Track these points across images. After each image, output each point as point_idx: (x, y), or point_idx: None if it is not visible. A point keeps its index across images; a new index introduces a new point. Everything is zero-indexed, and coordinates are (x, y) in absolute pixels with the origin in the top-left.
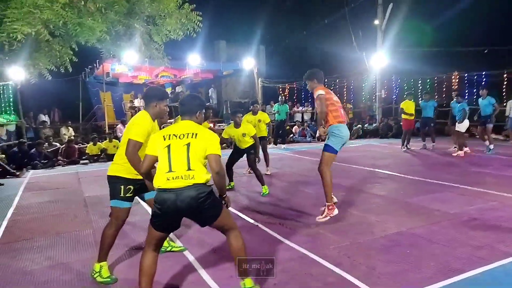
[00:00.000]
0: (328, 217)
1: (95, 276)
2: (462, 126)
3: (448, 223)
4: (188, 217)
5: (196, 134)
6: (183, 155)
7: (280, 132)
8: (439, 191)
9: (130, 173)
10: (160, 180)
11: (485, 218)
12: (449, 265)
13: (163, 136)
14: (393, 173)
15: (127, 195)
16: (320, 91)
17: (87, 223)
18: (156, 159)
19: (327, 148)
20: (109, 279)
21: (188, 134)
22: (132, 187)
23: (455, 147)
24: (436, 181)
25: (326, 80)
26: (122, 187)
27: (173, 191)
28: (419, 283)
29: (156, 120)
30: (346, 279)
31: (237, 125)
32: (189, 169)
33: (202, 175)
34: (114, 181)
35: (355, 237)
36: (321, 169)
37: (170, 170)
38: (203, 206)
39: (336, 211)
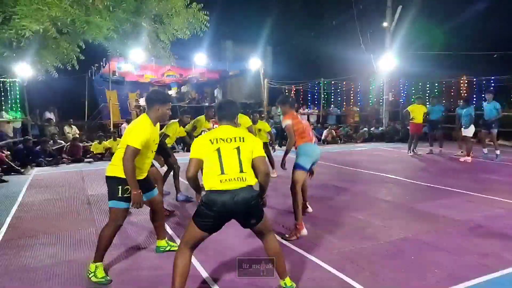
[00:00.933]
0: (294, 238)
1: (90, 276)
2: (469, 131)
3: (454, 229)
4: (236, 218)
5: (243, 138)
6: (235, 158)
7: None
8: (446, 197)
9: None
10: (213, 182)
11: (491, 225)
12: (454, 273)
13: (210, 140)
14: (399, 178)
15: (125, 195)
16: (287, 121)
17: (90, 221)
18: (201, 163)
19: (297, 166)
20: (103, 280)
21: (235, 138)
22: (130, 188)
23: (462, 152)
24: (442, 187)
25: (332, 82)
26: (120, 187)
27: (229, 192)
28: None
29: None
30: (350, 284)
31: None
32: (241, 171)
33: (252, 178)
34: (113, 182)
35: (360, 242)
36: (293, 189)
37: (223, 173)
38: (254, 207)
39: (304, 231)
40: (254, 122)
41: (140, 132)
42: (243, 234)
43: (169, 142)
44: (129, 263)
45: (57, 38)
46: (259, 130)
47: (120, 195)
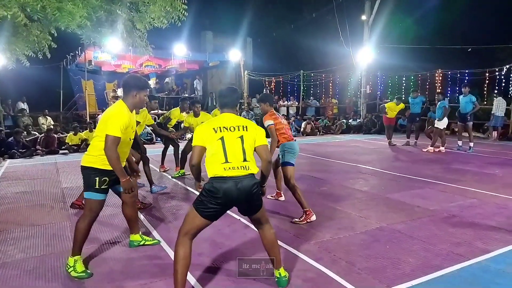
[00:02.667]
0: (305, 222)
1: (69, 270)
2: (442, 123)
3: (428, 219)
4: (238, 205)
5: (246, 126)
6: (238, 147)
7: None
8: (420, 188)
9: (105, 164)
10: (218, 169)
11: (464, 215)
12: (428, 262)
13: (213, 129)
14: (375, 169)
15: (102, 187)
16: (269, 121)
17: (64, 215)
18: (205, 150)
19: (285, 163)
20: (83, 274)
21: (238, 126)
22: (107, 179)
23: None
24: (417, 178)
25: (312, 75)
26: (97, 178)
27: (233, 179)
28: (398, 279)
29: (134, 110)
30: (326, 274)
31: (196, 115)
32: (245, 160)
33: (255, 166)
34: (89, 173)
35: (336, 232)
36: (288, 184)
37: (227, 161)
38: (255, 195)
39: (314, 217)
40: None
41: (118, 119)
42: (223, 226)
43: (138, 130)
44: (102, 257)
45: (28, 25)
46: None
47: (97, 186)
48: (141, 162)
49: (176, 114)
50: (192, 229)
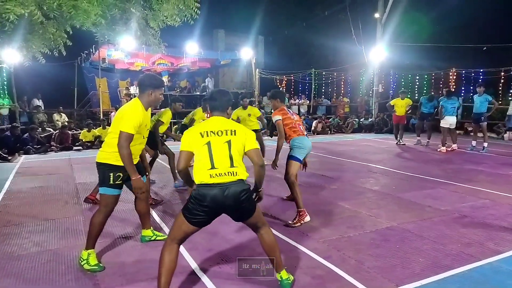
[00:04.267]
0: (299, 224)
1: (82, 263)
2: (443, 122)
3: (439, 219)
4: (227, 212)
5: (234, 131)
6: (225, 152)
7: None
8: (432, 188)
9: (119, 160)
10: (203, 176)
11: (476, 215)
12: (438, 261)
13: (200, 133)
14: (386, 168)
15: (117, 182)
16: (277, 117)
17: (77, 210)
18: (192, 155)
19: (291, 158)
20: (96, 267)
21: (226, 131)
22: (121, 175)
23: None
24: (429, 177)
25: (324, 73)
26: (112, 174)
27: (219, 186)
28: (407, 278)
29: (150, 108)
30: (335, 272)
31: (245, 107)
32: (232, 166)
33: (244, 172)
34: (104, 169)
35: (346, 231)
36: (288, 180)
37: (213, 167)
38: (245, 201)
39: (308, 218)
40: (245, 107)
41: (132, 116)
42: (229, 223)
43: (162, 130)
44: (114, 251)
45: (44, 23)
46: (249, 115)
47: (111, 182)
48: (153, 159)
49: (200, 115)
50: (180, 235)
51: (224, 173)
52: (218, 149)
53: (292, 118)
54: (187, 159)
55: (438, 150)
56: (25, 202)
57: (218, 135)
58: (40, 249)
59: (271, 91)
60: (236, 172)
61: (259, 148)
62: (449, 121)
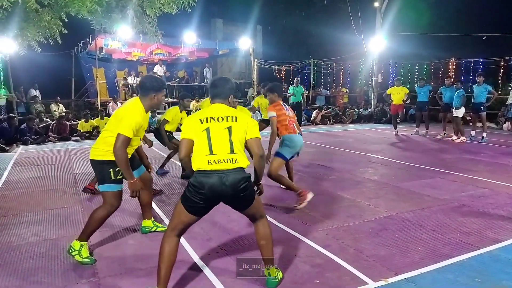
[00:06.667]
0: (304, 204)
1: (73, 254)
2: (460, 112)
3: (438, 208)
4: (225, 201)
5: (236, 117)
6: (225, 139)
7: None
8: (431, 177)
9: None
10: (201, 163)
11: (475, 204)
12: (437, 250)
13: (200, 120)
14: (385, 158)
15: (118, 177)
16: (271, 113)
17: (76, 199)
18: (193, 143)
19: (278, 154)
20: (88, 260)
21: (227, 117)
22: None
23: (444, 134)
24: (428, 167)
25: (323, 63)
26: (111, 170)
27: (217, 173)
28: (406, 267)
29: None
30: (334, 261)
31: (265, 96)
32: (232, 152)
33: (244, 160)
34: (101, 165)
35: (345, 220)
36: (272, 177)
37: (212, 153)
38: (244, 190)
39: (310, 195)
40: (265, 95)
41: (133, 120)
42: (230, 211)
43: (169, 128)
44: (114, 241)
45: (39, 10)
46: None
47: (113, 177)
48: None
49: (207, 104)
50: (179, 224)
51: (223, 159)
52: (218, 135)
53: (287, 114)
54: (188, 147)
55: (459, 140)
56: (23, 193)
57: (219, 121)
58: (39, 238)
59: (268, 84)
60: (235, 159)
61: (261, 138)
62: (463, 111)
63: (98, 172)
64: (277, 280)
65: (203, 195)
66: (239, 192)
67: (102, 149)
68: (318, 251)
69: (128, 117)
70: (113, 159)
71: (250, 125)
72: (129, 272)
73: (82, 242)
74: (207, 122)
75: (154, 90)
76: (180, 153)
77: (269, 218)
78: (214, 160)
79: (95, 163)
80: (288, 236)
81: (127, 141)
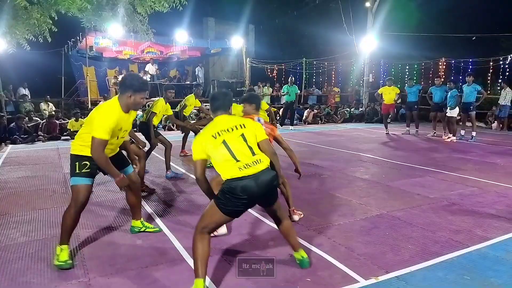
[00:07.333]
0: (301, 216)
1: (54, 258)
2: (455, 112)
3: (427, 207)
4: (261, 200)
5: (243, 124)
6: (243, 145)
7: (288, 113)
8: (421, 176)
9: (83, 150)
10: (233, 171)
11: (464, 203)
12: (427, 248)
13: (212, 136)
14: (376, 157)
15: (84, 170)
16: None
17: (66, 199)
18: (206, 162)
19: None
20: (63, 263)
21: (236, 126)
22: (88, 163)
23: (435, 133)
24: (418, 166)
25: (314, 63)
26: (77, 163)
27: (251, 177)
28: (397, 264)
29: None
30: (325, 259)
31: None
32: (253, 154)
33: (265, 157)
34: (73, 160)
35: (336, 219)
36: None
37: (237, 161)
38: (275, 188)
39: (297, 217)
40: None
41: (104, 121)
42: None
43: (156, 121)
44: (103, 241)
45: (27, 8)
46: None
47: (78, 171)
48: (150, 149)
49: (191, 101)
50: (211, 224)
51: (250, 163)
52: (235, 143)
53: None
54: (203, 167)
55: (449, 140)
56: (12, 192)
57: (231, 132)
58: (28, 239)
59: (246, 93)
60: (259, 159)
61: (268, 138)
62: (457, 111)
63: (70, 166)
64: (309, 260)
65: (243, 199)
66: (272, 189)
67: (77, 143)
68: (310, 249)
69: (99, 119)
70: (84, 154)
71: (257, 128)
72: (119, 272)
73: (62, 246)
74: (219, 135)
75: (132, 89)
76: (196, 173)
77: (261, 217)
78: (244, 166)
79: (70, 158)
80: (280, 235)
81: (103, 143)
